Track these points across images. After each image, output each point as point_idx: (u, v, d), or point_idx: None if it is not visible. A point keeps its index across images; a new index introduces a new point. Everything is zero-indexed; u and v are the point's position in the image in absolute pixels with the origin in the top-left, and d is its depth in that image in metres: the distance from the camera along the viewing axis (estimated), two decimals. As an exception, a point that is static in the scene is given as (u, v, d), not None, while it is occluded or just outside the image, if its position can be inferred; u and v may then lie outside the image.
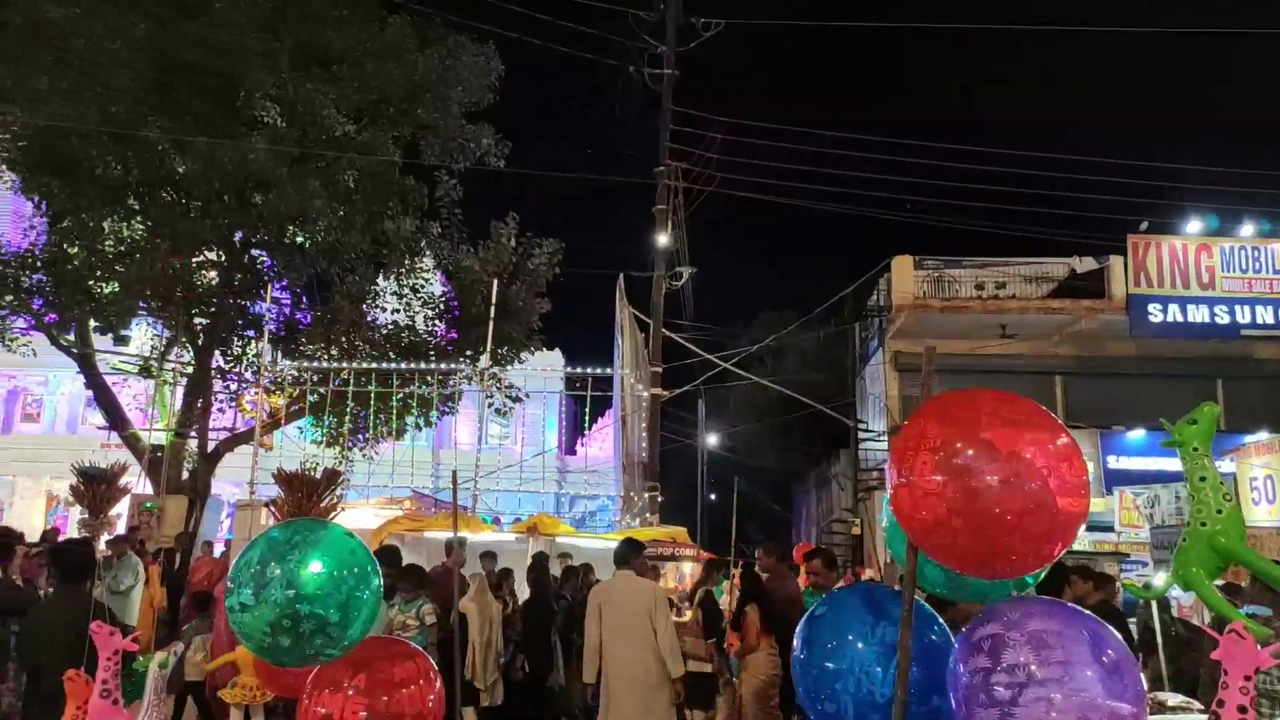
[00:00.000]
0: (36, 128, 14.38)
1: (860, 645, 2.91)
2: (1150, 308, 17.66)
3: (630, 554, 6.28)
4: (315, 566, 3.10)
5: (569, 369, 19.33)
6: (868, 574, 14.90)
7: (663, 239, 17.48)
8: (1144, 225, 18.66)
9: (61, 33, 13.70)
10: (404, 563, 7.37)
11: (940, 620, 2.95)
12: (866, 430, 22.48)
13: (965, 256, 19.49)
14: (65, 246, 15.76)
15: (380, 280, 17.69)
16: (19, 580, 6.83)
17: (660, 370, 17.50)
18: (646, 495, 16.35)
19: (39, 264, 15.70)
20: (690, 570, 11.60)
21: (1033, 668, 2.35)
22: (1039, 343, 18.97)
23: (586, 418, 17.00)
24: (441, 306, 17.70)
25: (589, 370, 17.85)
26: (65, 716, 3.88)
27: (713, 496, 31.79)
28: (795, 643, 3.13)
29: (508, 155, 17.50)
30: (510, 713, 8.47)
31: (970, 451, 2.55)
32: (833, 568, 6.67)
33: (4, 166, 15.75)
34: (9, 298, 15.52)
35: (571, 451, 30.52)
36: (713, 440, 29.37)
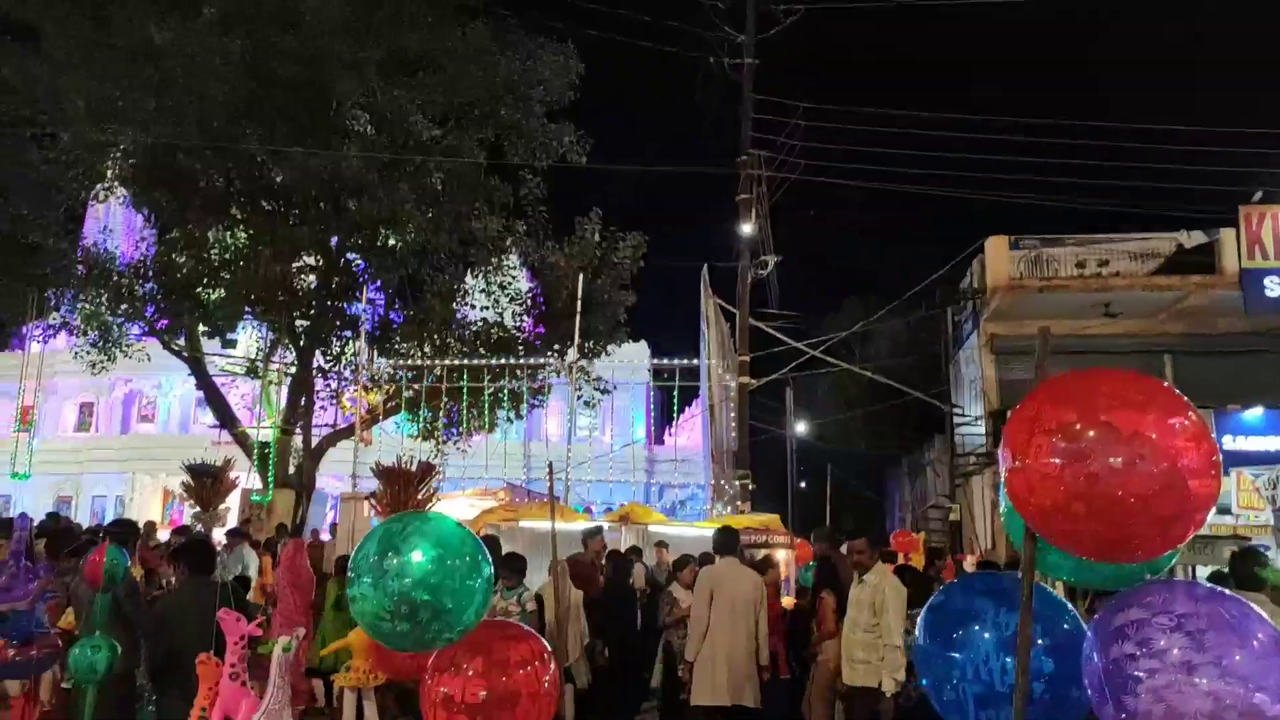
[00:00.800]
0: (144, 145, 15.13)
1: (982, 634, 2.86)
2: (1266, 281, 16.70)
3: (734, 542, 6.57)
4: (430, 556, 3.21)
5: (655, 360, 19.39)
6: (969, 561, 14.54)
7: (747, 228, 17.35)
8: (1258, 195, 17.65)
9: (165, 54, 14.35)
10: (502, 552, 7.55)
11: (1073, 608, 2.87)
12: (962, 415, 21.92)
13: (1064, 235, 18.76)
14: (174, 256, 16.58)
15: (469, 278, 18.08)
16: (138, 572, 7.17)
17: (747, 359, 17.41)
18: (737, 483, 16.30)
19: (150, 274, 16.55)
20: (784, 558, 11.54)
21: (1183, 653, 2.26)
22: (1146, 321, 18.16)
23: (675, 408, 17.04)
24: (529, 302, 17.98)
25: (675, 361, 17.93)
26: (199, 697, 4.12)
27: (803, 484, 31.54)
28: (917, 632, 3.09)
29: (589, 152, 17.63)
30: (596, 697, 8.67)
31: (1091, 434, 2.48)
32: (876, 549, 6.65)
33: (116, 183, 16.65)
34: (124, 306, 16.40)
35: (660, 441, 30.64)
36: (802, 428, 29.10)
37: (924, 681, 3.13)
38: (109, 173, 16.24)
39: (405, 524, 3.37)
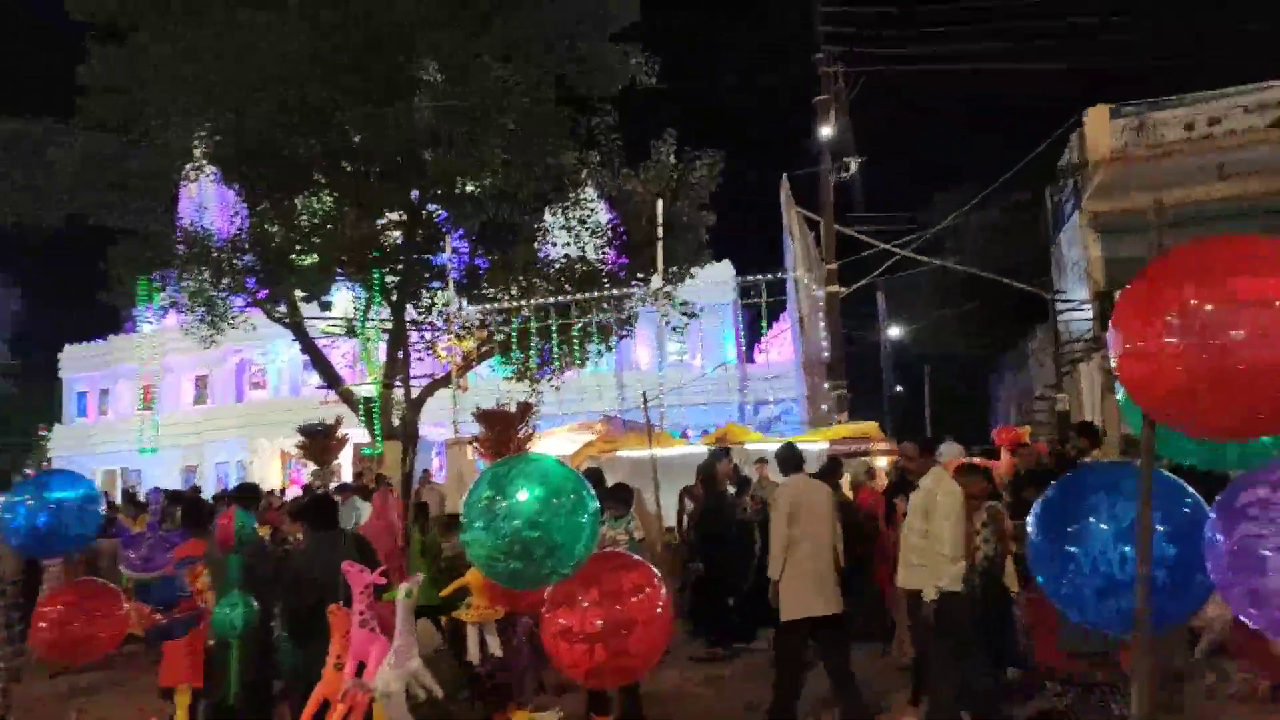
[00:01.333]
0: (229, 121, 15.50)
1: (1098, 526, 2.75)
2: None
3: (798, 457, 6.59)
4: (536, 496, 3.28)
5: (740, 278, 19.12)
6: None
7: (826, 131, 16.77)
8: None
9: (250, 33, 14.57)
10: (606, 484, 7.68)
11: (1194, 492, 2.73)
12: (1065, 300, 21.03)
13: (1169, 96, 17.48)
14: (266, 227, 17.09)
15: (548, 215, 18.06)
16: (265, 533, 7.58)
17: (835, 267, 17.01)
18: (833, 394, 16.11)
19: (247, 246, 17.11)
20: (884, 465, 11.40)
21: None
22: (1268, 179, 16.91)
23: (764, 323, 16.84)
24: (609, 233, 17.88)
25: (762, 276, 17.63)
26: (332, 645, 4.34)
27: (899, 389, 30.95)
28: (1029, 527, 3.00)
29: (657, 72, 17.20)
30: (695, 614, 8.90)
31: (1209, 307, 2.30)
32: (928, 453, 6.35)
33: (205, 161, 17.17)
34: (226, 280, 17.05)
35: (750, 360, 30.48)
36: (895, 332, 28.47)
37: (1039, 578, 3.05)
38: (197, 152, 16.74)
39: (510, 467, 3.44)
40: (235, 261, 16.96)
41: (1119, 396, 3.08)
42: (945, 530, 5.66)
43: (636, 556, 3.76)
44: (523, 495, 3.29)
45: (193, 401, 35.32)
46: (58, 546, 4.34)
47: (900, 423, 21.58)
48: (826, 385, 16.93)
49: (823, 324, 16.92)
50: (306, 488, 12.91)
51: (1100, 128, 17.94)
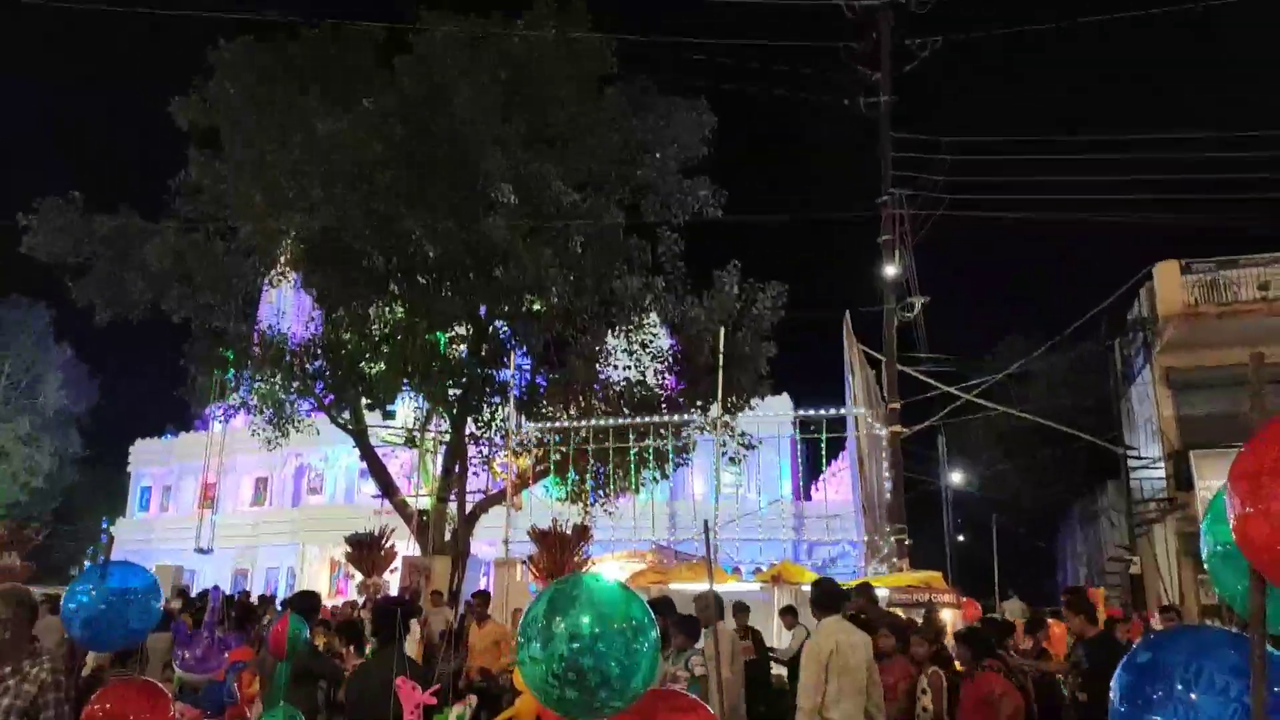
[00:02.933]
0: (312, 230, 16.33)
1: (1195, 697, 2.54)
2: None
3: (839, 596, 6.11)
4: (596, 619, 3.16)
5: (800, 412, 19.00)
6: (1158, 619, 13.29)
7: (890, 270, 16.92)
8: None
9: (332, 144, 15.53)
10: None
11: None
12: (1138, 457, 20.35)
13: (1242, 255, 17.35)
14: (339, 334, 17.67)
15: (610, 339, 18.35)
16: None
17: (898, 406, 16.80)
18: (893, 539, 15.61)
19: (319, 351, 17.67)
20: (950, 618, 10.89)
21: None
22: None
23: (822, 461, 16.58)
24: (670, 359, 18.04)
25: (821, 412, 17.47)
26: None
27: (961, 538, 29.90)
28: (1112, 694, 2.79)
29: (725, 204, 17.73)
30: None
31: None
32: (821, 608, 5.91)
33: (288, 268, 17.99)
34: (296, 384, 17.55)
35: (807, 497, 29.89)
36: (958, 478, 27.74)
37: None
38: (281, 258, 17.57)
39: (572, 586, 3.34)
40: (306, 365, 17.49)
41: (1205, 555, 2.90)
42: (801, 680, 5.48)
43: (695, 698, 3.57)
44: (583, 618, 3.18)
45: (250, 503, 35.75)
46: (116, 638, 4.32)
47: (963, 573, 20.68)
48: (883, 527, 16.44)
49: (885, 464, 16.58)
50: (379, 599, 12.79)
51: (1171, 283, 17.81)
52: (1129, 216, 18.05)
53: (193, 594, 16.94)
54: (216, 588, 6.38)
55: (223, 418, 19.85)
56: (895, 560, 15.23)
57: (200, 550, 29.40)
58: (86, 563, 39.83)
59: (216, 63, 17.25)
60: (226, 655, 4.92)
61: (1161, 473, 18.99)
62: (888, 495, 16.46)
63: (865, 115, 18.03)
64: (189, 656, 4.86)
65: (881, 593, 10.76)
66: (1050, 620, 10.35)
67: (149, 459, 39.07)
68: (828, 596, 5.86)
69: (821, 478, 27.63)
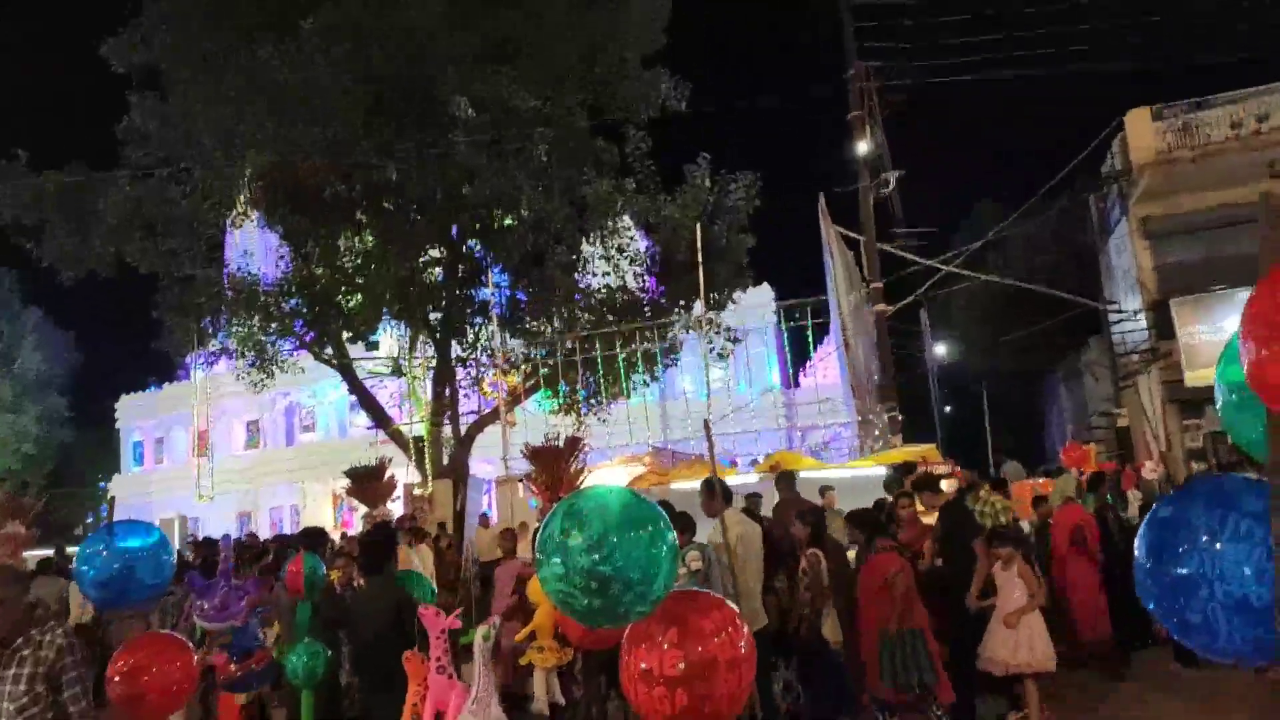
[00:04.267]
0: (268, 165, 15.80)
1: (1220, 545, 2.57)
2: None
3: (730, 492, 6.67)
4: (612, 529, 3.16)
5: (782, 301, 18.99)
6: (1148, 468, 13.66)
7: (862, 147, 16.61)
8: None
9: (275, 71, 14.88)
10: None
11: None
12: (1118, 311, 20.54)
13: (1213, 95, 17.12)
14: (311, 269, 17.33)
15: (586, 245, 18.09)
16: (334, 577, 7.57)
17: (880, 285, 16.78)
18: (886, 417, 15.82)
19: (293, 289, 17.36)
20: (947, 488, 11.11)
21: None
22: (1322, 174, 16.45)
23: (810, 346, 16.65)
24: (648, 261, 17.86)
25: (804, 299, 17.46)
26: (409, 693, 4.25)
27: (949, 409, 30.40)
28: (1136, 550, 2.83)
29: (688, 96, 17.26)
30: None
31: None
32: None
33: (248, 207, 17.49)
34: (274, 324, 17.29)
35: (796, 384, 30.19)
36: (942, 350, 28.01)
37: (1150, 605, 2.86)
38: (241, 198, 17.07)
39: (584, 499, 3.34)
40: (282, 305, 17.20)
41: (1219, 404, 2.89)
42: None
43: (718, 596, 3.61)
44: (598, 529, 3.18)
45: (244, 446, 35.81)
46: (134, 597, 4.31)
47: (954, 443, 21.07)
48: (874, 407, 16.63)
49: (872, 345, 16.66)
50: (376, 527, 12.93)
51: (1142, 131, 17.62)
52: (1097, 66, 17.68)
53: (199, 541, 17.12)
54: (227, 536, 6.39)
55: (205, 365, 19.64)
56: (890, 438, 15.46)
57: (202, 498, 29.57)
58: (91, 522, 40.17)
59: (144, -2, 16.35)
60: (244, 601, 4.96)
61: (1143, 324, 19.20)
62: (876, 375, 16.59)
63: (823, -12, 17.39)
64: (207, 606, 4.90)
65: (879, 471, 10.95)
66: (1043, 480, 10.61)
67: (137, 413, 38.87)
68: (725, 491, 6.44)
69: (809, 364, 27.86)
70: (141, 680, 3.92)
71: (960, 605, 6.87)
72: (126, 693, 3.94)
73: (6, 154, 16.45)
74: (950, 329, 29.82)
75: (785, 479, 8.87)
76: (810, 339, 16.87)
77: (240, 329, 17.16)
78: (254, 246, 19.79)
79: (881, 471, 10.83)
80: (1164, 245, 18.54)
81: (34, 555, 10.37)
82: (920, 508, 8.18)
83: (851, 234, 17.48)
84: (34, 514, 9.88)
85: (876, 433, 15.75)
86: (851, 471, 11.78)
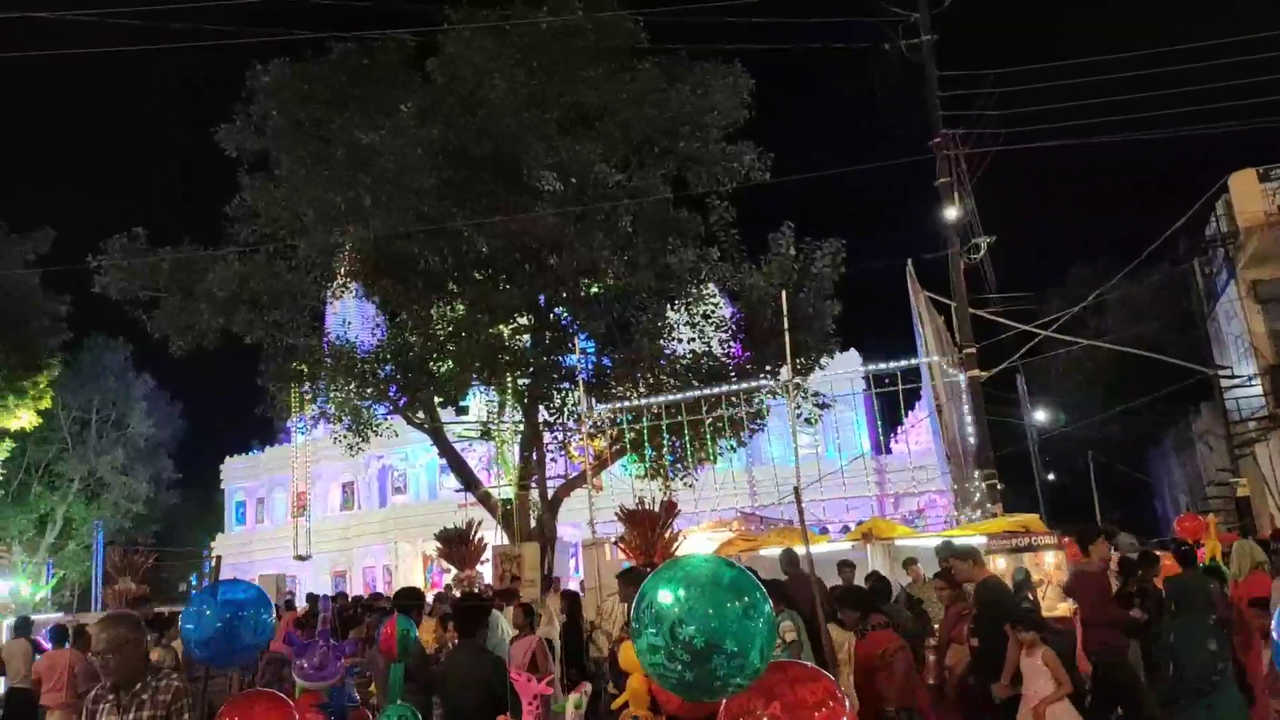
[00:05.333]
0: (365, 239, 16.56)
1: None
2: None
3: (643, 576, 6.67)
4: (707, 599, 3.12)
5: (871, 367, 18.69)
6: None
7: (951, 213, 16.43)
8: None
9: (374, 153, 15.70)
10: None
11: None
12: (1231, 377, 19.54)
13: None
14: (405, 337, 17.93)
15: (671, 313, 18.26)
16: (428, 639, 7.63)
17: (974, 350, 16.38)
18: (984, 485, 15.27)
19: (388, 356, 17.96)
20: (1054, 560, 10.60)
21: None
22: None
23: (901, 412, 16.31)
24: (733, 328, 17.91)
25: (893, 364, 17.14)
26: (503, 757, 4.23)
27: (1051, 477, 29.16)
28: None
29: (772, 167, 17.46)
30: None
31: None
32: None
33: (348, 279, 18.28)
34: (370, 390, 17.87)
35: (887, 450, 29.49)
36: (1042, 417, 27.03)
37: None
38: (341, 270, 17.86)
39: (679, 568, 3.30)
40: (378, 371, 17.79)
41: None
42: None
43: (815, 667, 3.50)
44: (692, 599, 3.13)
45: (340, 507, 36.76)
46: (236, 656, 4.43)
47: (1058, 513, 20.15)
48: (976, 475, 16.08)
49: (966, 411, 16.20)
50: (467, 594, 13.03)
51: (1249, 192, 17.01)
52: (1194, 129, 17.16)
53: (296, 600, 17.53)
54: (326, 596, 6.54)
55: (304, 429, 20.35)
56: (989, 506, 14.89)
57: (299, 557, 30.37)
58: (196, 581, 41.54)
59: (255, 86, 17.53)
60: (342, 661, 5.05)
61: (1259, 390, 18.22)
62: (971, 441, 16.09)
63: (907, 58, 17.46)
64: (307, 665, 5.00)
65: (979, 540, 10.54)
66: (1160, 554, 10.02)
67: (240, 475, 40.39)
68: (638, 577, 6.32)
69: (900, 430, 27.20)
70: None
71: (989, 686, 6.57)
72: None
73: (127, 232, 17.61)
74: (1050, 397, 28.79)
75: (788, 556, 8.76)
76: (901, 404, 16.51)
77: (338, 394, 17.77)
78: (352, 316, 20.60)
79: (981, 540, 10.42)
80: (1276, 309, 17.67)
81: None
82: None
83: (942, 299, 17.20)
84: (144, 571, 10.35)
85: (974, 500, 15.20)
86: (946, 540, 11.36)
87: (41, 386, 36.89)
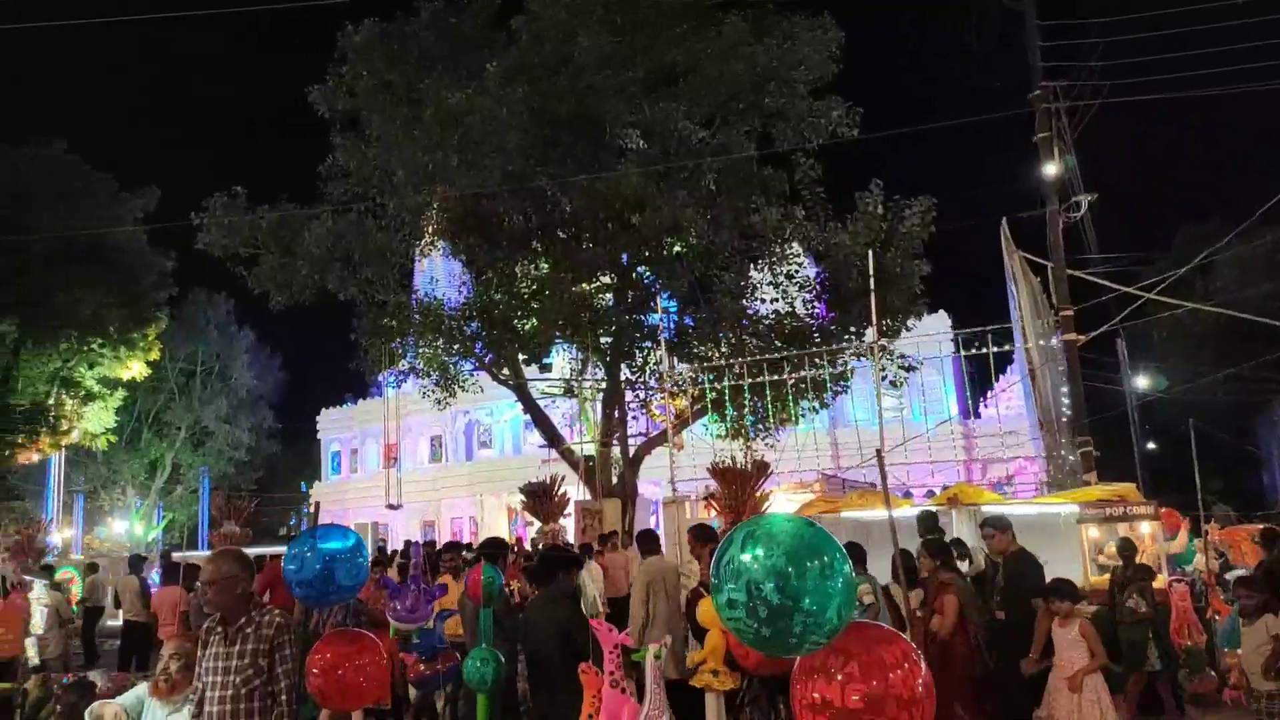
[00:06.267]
0: (452, 198, 16.83)
1: None
2: None
3: (657, 540, 8.25)
4: (788, 559, 3.14)
5: (960, 329, 18.20)
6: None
7: (1050, 169, 15.74)
8: None
9: (461, 113, 15.88)
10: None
11: None
12: (1351, 344, 18.35)
13: None
14: (490, 294, 18.25)
15: (754, 272, 18.09)
16: (512, 588, 7.87)
17: (1071, 313, 15.77)
18: (1078, 452, 14.78)
19: (474, 314, 18.32)
20: (1150, 531, 10.25)
21: None
22: None
23: (992, 375, 15.87)
24: (817, 288, 17.64)
25: (984, 328, 16.65)
26: (584, 703, 4.36)
27: (1151, 445, 28.04)
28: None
29: (860, 123, 17.00)
30: None
31: None
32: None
33: (435, 237, 18.65)
34: (456, 346, 18.29)
35: (975, 415, 28.79)
36: (1143, 383, 25.95)
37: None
38: (429, 229, 18.23)
39: (761, 526, 3.33)
40: (464, 328, 18.18)
41: None
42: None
43: (892, 629, 3.50)
44: (772, 558, 3.16)
45: (428, 460, 37.95)
46: (333, 597, 4.66)
47: (1158, 483, 19.42)
48: (1064, 441, 15.59)
49: (1061, 375, 15.66)
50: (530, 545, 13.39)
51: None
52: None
53: (386, 548, 18.25)
54: (418, 542, 6.81)
55: (395, 383, 20.98)
56: (1082, 474, 14.44)
57: (390, 506, 31.54)
58: (294, 525, 43.57)
59: (347, 48, 17.87)
60: (432, 604, 5.26)
61: (1383, 357, 17.08)
62: (1065, 407, 15.58)
63: (1006, 6, 16.66)
64: (400, 608, 5.23)
65: (1071, 509, 10.26)
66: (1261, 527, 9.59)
67: (335, 426, 42.03)
68: (653, 539, 7.68)
69: (990, 394, 26.51)
70: (337, 673, 4.23)
71: (1016, 660, 6.44)
72: (324, 684, 4.26)
73: (228, 191, 18.29)
74: (1148, 360, 27.59)
75: (702, 533, 9.15)
76: (991, 368, 16.02)
77: (426, 350, 18.24)
78: (439, 274, 21.05)
79: (1073, 509, 10.15)
80: None
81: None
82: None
83: (1038, 259, 16.57)
84: (247, 515, 10.92)
85: (1067, 468, 14.75)
86: (1038, 508, 11.10)
87: (150, 339, 38.96)
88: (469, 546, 12.27)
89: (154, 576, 15.29)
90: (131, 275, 36.18)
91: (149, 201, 37.07)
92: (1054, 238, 15.88)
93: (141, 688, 4.76)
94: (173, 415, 44.84)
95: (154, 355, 39.88)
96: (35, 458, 37.41)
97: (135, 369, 38.93)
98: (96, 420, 38.69)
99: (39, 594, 9.77)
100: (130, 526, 43.66)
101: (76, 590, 15.90)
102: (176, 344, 43.59)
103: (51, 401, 37.04)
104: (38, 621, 9.39)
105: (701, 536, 7.33)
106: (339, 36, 18.01)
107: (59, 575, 14.64)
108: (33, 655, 8.41)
